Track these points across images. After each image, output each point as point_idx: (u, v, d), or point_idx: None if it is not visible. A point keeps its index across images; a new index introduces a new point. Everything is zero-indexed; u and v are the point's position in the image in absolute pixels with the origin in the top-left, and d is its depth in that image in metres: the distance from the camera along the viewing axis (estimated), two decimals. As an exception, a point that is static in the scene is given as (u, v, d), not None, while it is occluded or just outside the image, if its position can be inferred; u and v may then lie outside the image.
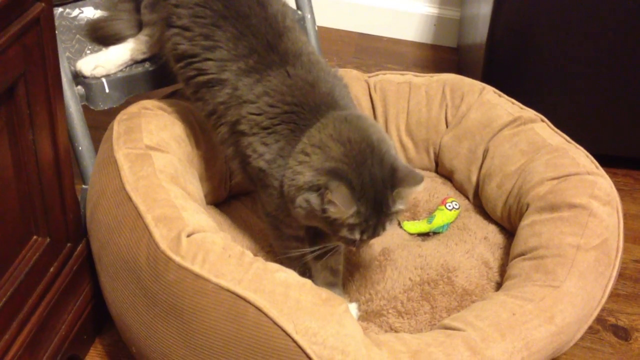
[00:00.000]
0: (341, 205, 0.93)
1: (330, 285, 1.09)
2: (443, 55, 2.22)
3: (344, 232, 0.98)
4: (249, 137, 1.04)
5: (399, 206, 0.99)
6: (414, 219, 1.31)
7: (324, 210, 0.96)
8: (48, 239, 1.03)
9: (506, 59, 1.65)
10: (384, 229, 0.99)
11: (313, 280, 1.02)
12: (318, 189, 0.96)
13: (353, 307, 1.11)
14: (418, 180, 0.98)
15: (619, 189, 1.18)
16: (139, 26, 1.29)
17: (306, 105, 1.03)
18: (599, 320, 1.31)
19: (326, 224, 0.98)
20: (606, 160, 1.34)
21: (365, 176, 0.96)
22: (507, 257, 1.19)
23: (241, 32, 1.06)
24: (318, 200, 0.96)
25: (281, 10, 1.12)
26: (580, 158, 1.19)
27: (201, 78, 1.08)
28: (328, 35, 2.21)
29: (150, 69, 1.29)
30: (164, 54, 1.17)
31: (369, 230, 0.98)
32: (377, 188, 0.96)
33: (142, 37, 1.27)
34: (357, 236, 0.98)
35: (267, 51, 1.06)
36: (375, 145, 0.98)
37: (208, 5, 1.08)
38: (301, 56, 1.08)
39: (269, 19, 1.08)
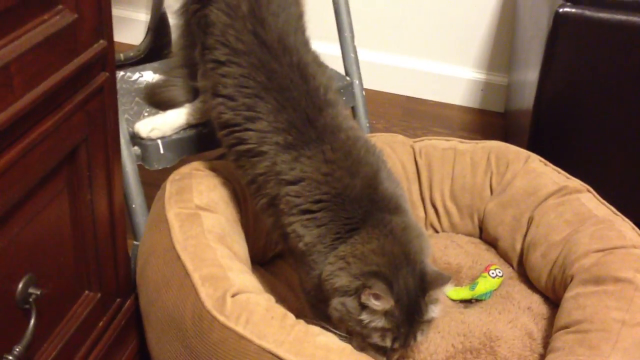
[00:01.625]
0: (380, 299, 0.95)
1: None
2: (490, 120, 2.23)
3: (376, 338, 0.99)
4: (289, 216, 1.05)
5: (432, 314, 1.01)
6: (456, 285, 1.31)
7: (359, 312, 0.97)
8: (99, 294, 1.07)
9: (553, 125, 1.65)
10: (415, 339, 1.00)
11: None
12: (355, 292, 0.98)
13: None
14: (445, 280, 1.00)
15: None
16: (193, 92, 1.35)
17: (347, 199, 1.03)
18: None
19: (359, 327, 0.99)
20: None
21: (401, 283, 0.98)
22: (551, 328, 1.17)
23: (282, 105, 1.08)
24: (354, 303, 0.98)
25: (324, 84, 1.12)
26: (626, 231, 1.18)
27: (242, 147, 1.11)
28: (376, 98, 2.25)
29: (204, 131, 1.35)
30: (211, 120, 1.20)
31: (400, 339, 0.99)
32: (410, 296, 0.99)
33: (198, 103, 1.33)
34: (388, 343, 0.99)
35: (306, 126, 1.07)
36: (412, 256, 1.01)
37: (252, 76, 1.10)
38: (339, 133, 1.08)
39: (310, 92, 1.09)
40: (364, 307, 0.97)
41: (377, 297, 0.96)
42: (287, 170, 1.06)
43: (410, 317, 0.99)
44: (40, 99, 0.82)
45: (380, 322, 0.98)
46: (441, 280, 1.00)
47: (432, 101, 2.30)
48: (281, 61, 1.11)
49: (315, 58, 1.17)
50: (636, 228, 1.20)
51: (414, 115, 2.22)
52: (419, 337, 1.01)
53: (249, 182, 1.12)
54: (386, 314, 0.97)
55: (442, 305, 1.04)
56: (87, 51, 0.92)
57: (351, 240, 1.01)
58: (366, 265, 0.99)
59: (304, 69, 1.11)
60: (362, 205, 1.03)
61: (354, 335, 1.00)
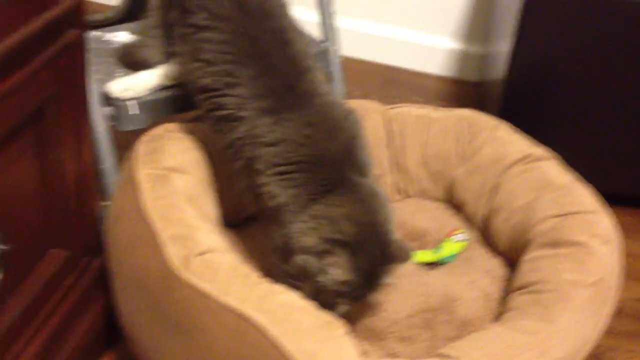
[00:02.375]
0: (342, 268, 0.99)
1: None
2: (465, 90, 2.25)
3: (328, 298, 1.01)
4: (264, 177, 1.07)
5: (386, 279, 1.05)
6: (421, 249, 1.34)
7: (318, 273, 1.00)
8: (66, 252, 1.08)
9: (524, 95, 1.68)
10: (364, 298, 1.04)
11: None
12: (320, 254, 1.01)
13: None
14: (405, 256, 1.05)
15: (628, 229, 1.19)
16: (168, 54, 1.34)
17: (325, 161, 1.05)
18: (596, 357, 1.31)
19: (315, 286, 1.01)
20: (620, 199, 1.35)
21: (364, 253, 1.02)
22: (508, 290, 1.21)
23: (262, 71, 1.08)
24: (316, 264, 1.00)
25: (303, 50, 1.12)
26: (584, 197, 1.21)
27: (220, 112, 1.11)
28: (355, 66, 2.25)
29: (178, 93, 1.34)
30: (188, 84, 1.20)
31: (351, 300, 1.03)
32: (372, 262, 1.02)
33: (173, 65, 1.32)
34: (339, 303, 1.02)
35: (286, 92, 1.08)
36: (379, 226, 1.04)
37: (233, 42, 1.10)
38: (318, 97, 1.09)
39: (290, 58, 1.10)
40: (324, 270, 1.00)
41: (339, 266, 0.99)
42: (266, 132, 1.07)
43: (367, 281, 1.02)
44: (6, 54, 0.82)
45: (335, 287, 1.01)
46: (402, 256, 1.04)
47: (410, 70, 2.31)
48: (262, 27, 1.10)
49: (294, 23, 1.17)
50: (594, 194, 1.23)
51: (392, 84, 2.23)
52: (368, 296, 1.04)
53: (227, 145, 1.13)
54: (344, 281, 1.00)
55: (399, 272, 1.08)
56: (57, 7, 0.91)
57: (324, 201, 1.03)
58: (336, 232, 1.01)
59: (283, 35, 1.12)
60: (339, 167, 1.05)
61: (308, 291, 1.02)
